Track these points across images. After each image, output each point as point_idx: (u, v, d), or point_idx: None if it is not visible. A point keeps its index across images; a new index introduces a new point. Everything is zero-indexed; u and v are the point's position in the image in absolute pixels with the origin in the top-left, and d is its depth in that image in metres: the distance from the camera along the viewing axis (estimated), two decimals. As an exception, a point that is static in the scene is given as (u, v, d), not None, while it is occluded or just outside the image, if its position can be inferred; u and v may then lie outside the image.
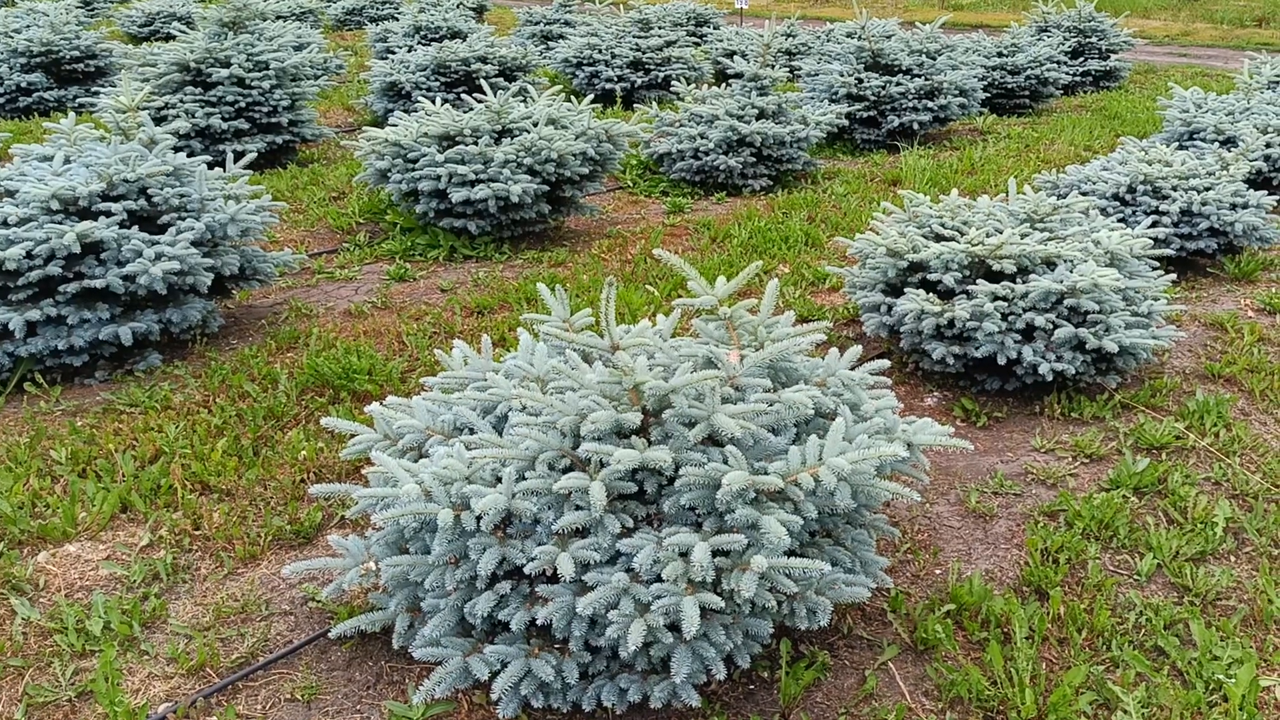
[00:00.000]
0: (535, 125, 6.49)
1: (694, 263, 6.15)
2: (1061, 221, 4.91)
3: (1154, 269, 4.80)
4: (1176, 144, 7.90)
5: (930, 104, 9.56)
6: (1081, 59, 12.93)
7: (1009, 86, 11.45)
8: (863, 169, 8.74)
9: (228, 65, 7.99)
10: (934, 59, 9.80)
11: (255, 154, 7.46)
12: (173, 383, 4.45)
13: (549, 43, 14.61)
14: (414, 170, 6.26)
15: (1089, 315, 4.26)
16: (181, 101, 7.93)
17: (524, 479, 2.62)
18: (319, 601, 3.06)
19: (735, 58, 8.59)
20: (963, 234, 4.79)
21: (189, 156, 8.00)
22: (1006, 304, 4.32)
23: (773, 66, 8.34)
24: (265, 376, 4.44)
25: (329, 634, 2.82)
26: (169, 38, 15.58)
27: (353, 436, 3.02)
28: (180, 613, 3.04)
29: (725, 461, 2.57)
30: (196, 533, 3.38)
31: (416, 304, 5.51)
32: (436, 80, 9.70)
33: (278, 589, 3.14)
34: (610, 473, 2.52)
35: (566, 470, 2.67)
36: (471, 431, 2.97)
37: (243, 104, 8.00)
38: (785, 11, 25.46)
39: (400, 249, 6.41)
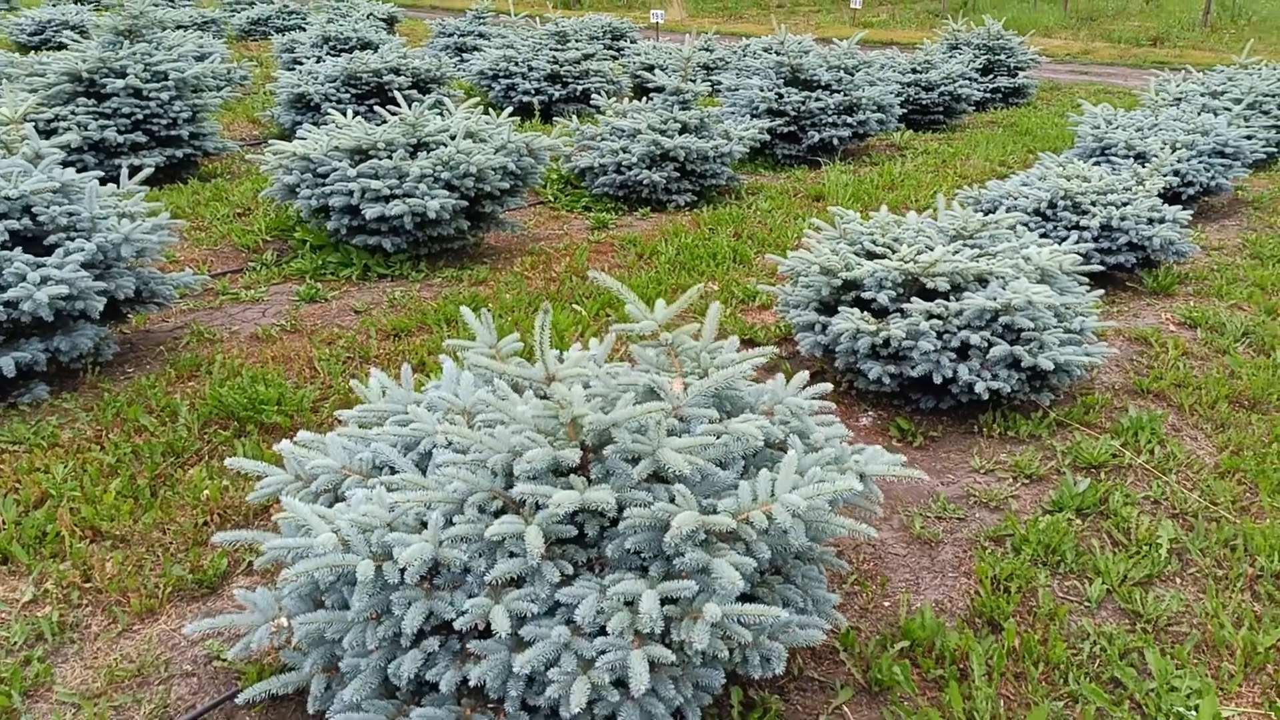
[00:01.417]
0: (453, 139, 6.26)
1: (621, 279, 5.95)
2: (991, 238, 4.88)
3: (1082, 284, 4.80)
4: (1090, 159, 8.03)
5: (850, 120, 9.58)
6: (991, 76, 13.18)
7: (924, 103, 11.58)
8: (785, 184, 8.69)
9: (123, 75, 7.57)
10: (852, 75, 9.84)
11: (153, 169, 7.06)
12: (61, 417, 4.09)
13: (463, 55, 14.35)
14: (324, 185, 5.97)
15: (1023, 333, 4.21)
16: (73, 114, 7.47)
17: (452, 524, 2.41)
18: (225, 661, 2.78)
19: (656, 72, 8.47)
20: (894, 251, 4.71)
21: (81, 171, 7.57)
22: (941, 322, 4.25)
23: (694, 81, 8.24)
24: (164, 408, 4.12)
25: (236, 698, 2.55)
26: (61, 47, 14.85)
27: (260, 478, 2.76)
28: (68, 678, 2.74)
29: (672, 500, 2.40)
30: (87, 585, 3.07)
31: (329, 326, 5.22)
32: (347, 92, 9.38)
33: (178, 647, 2.86)
34: (548, 515, 2.32)
35: (499, 513, 2.47)
36: (392, 471, 2.74)
37: (140, 116, 7.58)
38: (701, 26, 25.62)
39: (311, 268, 6.10)
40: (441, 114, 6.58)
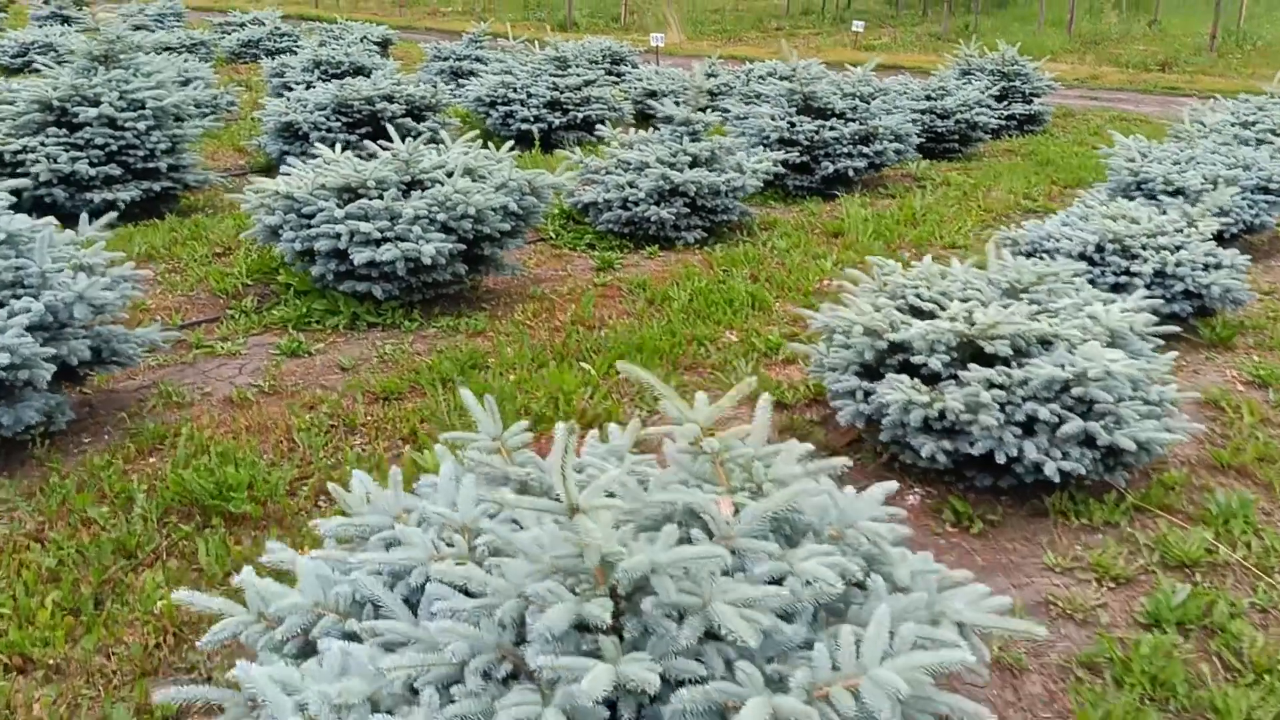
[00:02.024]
0: (450, 176, 5.77)
1: (631, 329, 5.49)
2: (1049, 292, 4.38)
3: (1148, 342, 4.31)
4: (1126, 195, 7.57)
5: (866, 150, 9.12)
6: (1006, 102, 12.75)
7: (939, 130, 11.14)
8: (800, 219, 8.22)
9: (97, 104, 7.07)
10: (868, 103, 9.38)
11: (122, 207, 6.61)
12: (-2, 505, 3.58)
13: (459, 80, 13.87)
14: (310, 228, 5.47)
15: (1097, 405, 3.72)
16: (43, 145, 6.97)
17: (450, 698, 1.90)
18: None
19: (662, 100, 8.01)
20: (942, 307, 4.22)
21: (50, 205, 7.08)
22: (1004, 393, 3.75)
23: (704, 110, 7.78)
24: (119, 494, 3.60)
25: None
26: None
27: (215, 620, 2.25)
28: None
29: (728, 665, 1.90)
30: (7, 732, 2.55)
31: (311, 387, 4.71)
32: (338, 121, 8.89)
33: (112, 822, 2.34)
34: (571, 695, 1.81)
35: (509, 678, 1.96)
36: (376, 609, 2.23)
37: (114, 147, 7.08)
38: (698, 50, 25.26)
39: (294, 316, 5.60)
40: (438, 148, 6.09)
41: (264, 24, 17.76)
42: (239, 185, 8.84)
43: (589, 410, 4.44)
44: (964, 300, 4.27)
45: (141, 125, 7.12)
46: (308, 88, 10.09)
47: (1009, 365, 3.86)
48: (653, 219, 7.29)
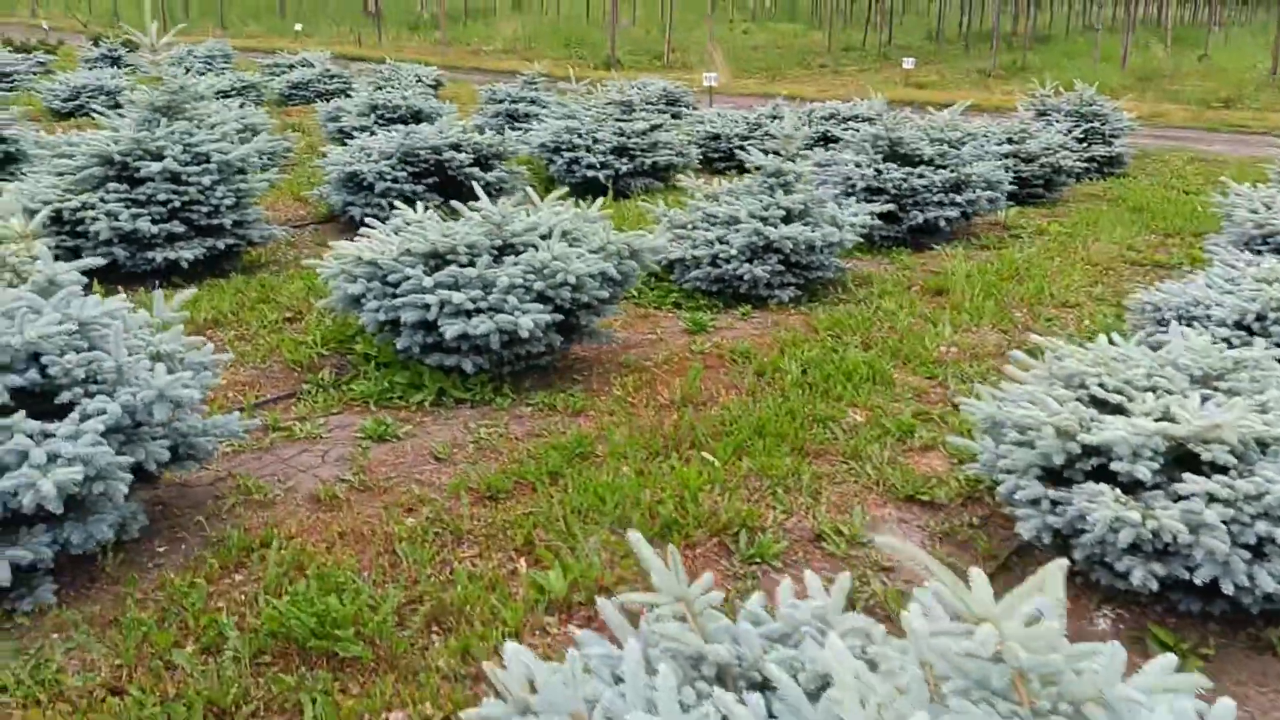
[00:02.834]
0: (544, 239, 5.31)
1: (744, 406, 4.98)
2: (1252, 380, 3.83)
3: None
4: (1249, 248, 7.00)
5: (958, 198, 8.61)
6: (1085, 144, 12.20)
7: (1023, 175, 10.60)
8: (895, 274, 7.71)
9: (160, 158, 6.71)
10: (957, 148, 8.88)
11: (185, 266, 6.25)
12: (67, 640, 3.10)
13: (514, 123, 13.54)
14: (395, 297, 5.03)
15: (1340, 524, 3.16)
16: (103, 201, 6.61)
17: None
18: None
19: (750, 150, 7.55)
20: (1129, 398, 3.69)
21: (111, 265, 6.70)
22: (1229, 509, 3.20)
23: (794, 160, 7.31)
24: (205, 628, 3.12)
25: None
26: (94, 113, 14.21)
27: None
28: None
29: None
30: None
31: (405, 481, 4.23)
32: (404, 170, 8.50)
33: None
34: None
35: None
36: None
37: (177, 203, 6.70)
38: (744, 88, 24.92)
39: (375, 392, 5.14)
40: (528, 209, 5.64)
41: (314, 65, 17.58)
42: (301, 238, 8.48)
43: (721, 513, 3.92)
44: (1150, 389, 3.75)
45: (206, 180, 6.74)
46: (368, 133, 9.72)
47: (1227, 474, 3.32)
48: (745, 277, 6.80)
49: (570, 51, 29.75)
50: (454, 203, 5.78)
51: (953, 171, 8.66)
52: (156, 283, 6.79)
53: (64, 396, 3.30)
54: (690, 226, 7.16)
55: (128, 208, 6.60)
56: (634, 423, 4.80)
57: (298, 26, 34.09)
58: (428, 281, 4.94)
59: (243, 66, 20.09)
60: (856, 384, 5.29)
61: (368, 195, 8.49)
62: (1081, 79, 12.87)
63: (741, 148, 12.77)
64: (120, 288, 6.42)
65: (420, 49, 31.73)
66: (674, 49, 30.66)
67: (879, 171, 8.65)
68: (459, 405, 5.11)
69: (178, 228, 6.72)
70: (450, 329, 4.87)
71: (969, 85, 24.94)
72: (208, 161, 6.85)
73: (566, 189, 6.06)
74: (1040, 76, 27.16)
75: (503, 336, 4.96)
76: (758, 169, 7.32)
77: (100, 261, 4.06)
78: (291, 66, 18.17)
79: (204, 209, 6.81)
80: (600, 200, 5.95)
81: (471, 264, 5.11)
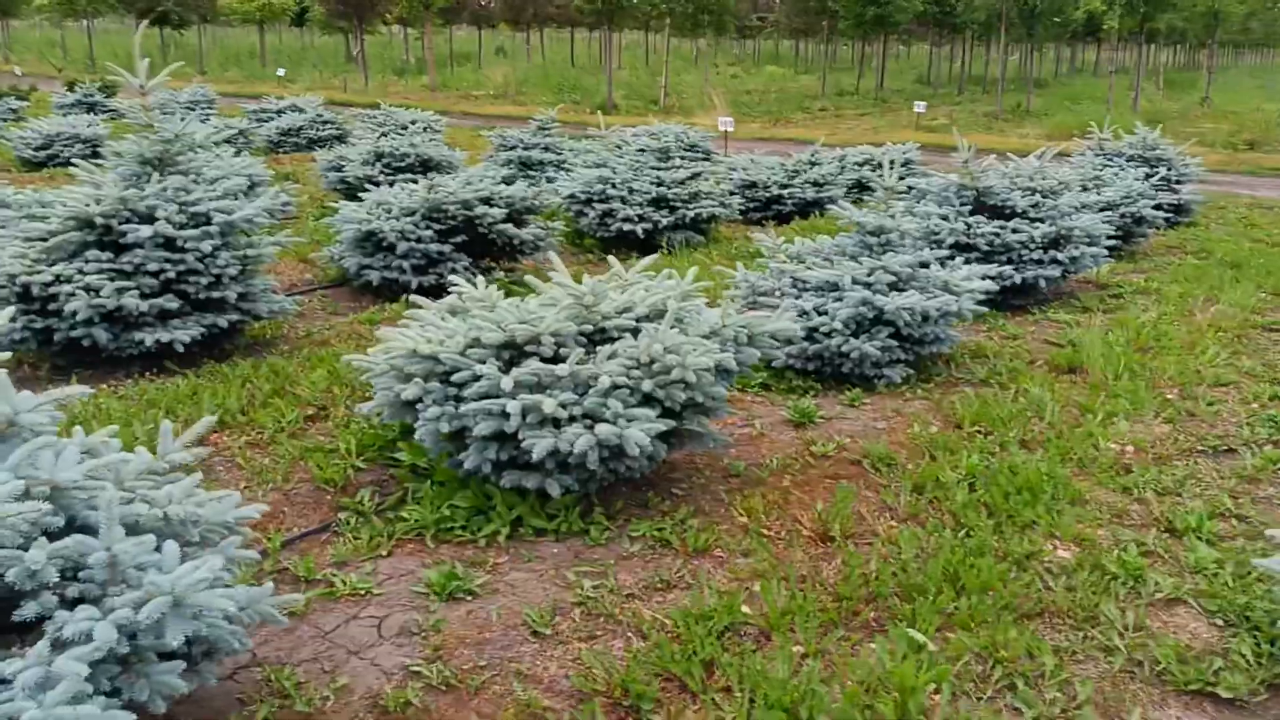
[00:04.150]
0: (644, 320, 4.21)
1: (916, 541, 3.86)
2: None
3: None
4: None
5: (1059, 255, 7.59)
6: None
7: (1101, 226, 9.64)
8: (1008, 346, 6.66)
9: (151, 220, 5.56)
10: (1054, 199, 7.88)
11: (180, 349, 5.11)
12: None
13: (528, 170, 12.51)
14: (462, 401, 3.90)
15: None
16: (81, 273, 5.45)
17: None
18: None
19: (842, 204, 6.51)
20: None
21: (89, 348, 5.53)
22: None
23: (895, 216, 6.27)
24: None
25: None
26: (69, 163, 13.03)
27: None
28: None
29: None
30: None
31: (502, 674, 3.07)
32: (429, 228, 7.39)
33: None
34: None
35: None
36: None
37: (171, 274, 5.55)
38: (748, 133, 24.07)
39: (432, 520, 3.99)
40: (616, 283, 4.53)
41: (304, 111, 16.50)
42: (309, 307, 7.34)
43: (958, 726, 2.79)
44: None
45: (206, 245, 5.60)
46: (378, 185, 8.61)
47: None
48: (851, 355, 5.72)
49: (563, 96, 28.84)
50: (530, 277, 4.67)
51: (1051, 225, 7.66)
52: (144, 371, 5.62)
53: (28, 609, 2.14)
54: (777, 294, 6.09)
55: (111, 280, 5.44)
56: (782, 569, 3.66)
57: (280, 71, 33.15)
58: (506, 382, 3.81)
59: (227, 112, 18.99)
60: (1043, 502, 4.19)
61: (387, 257, 7.38)
62: (1094, 122, 11.99)
63: (779, 197, 11.96)
64: (101, 384, 5.29)
65: (407, 94, 30.79)
66: (669, 93, 29.88)
67: (968, 225, 7.64)
68: (540, 537, 3.97)
69: (171, 303, 5.56)
70: (538, 445, 3.73)
71: (979, 129, 24.19)
72: (208, 223, 5.70)
73: (655, 256, 4.96)
74: (1042, 119, 26.55)
75: (603, 451, 3.84)
76: (857, 225, 6.28)
77: (85, 389, 2.86)
78: (280, 112, 17.09)
79: (203, 280, 5.65)
80: (650, 259, 4.85)
81: (558, 357, 4.00)
